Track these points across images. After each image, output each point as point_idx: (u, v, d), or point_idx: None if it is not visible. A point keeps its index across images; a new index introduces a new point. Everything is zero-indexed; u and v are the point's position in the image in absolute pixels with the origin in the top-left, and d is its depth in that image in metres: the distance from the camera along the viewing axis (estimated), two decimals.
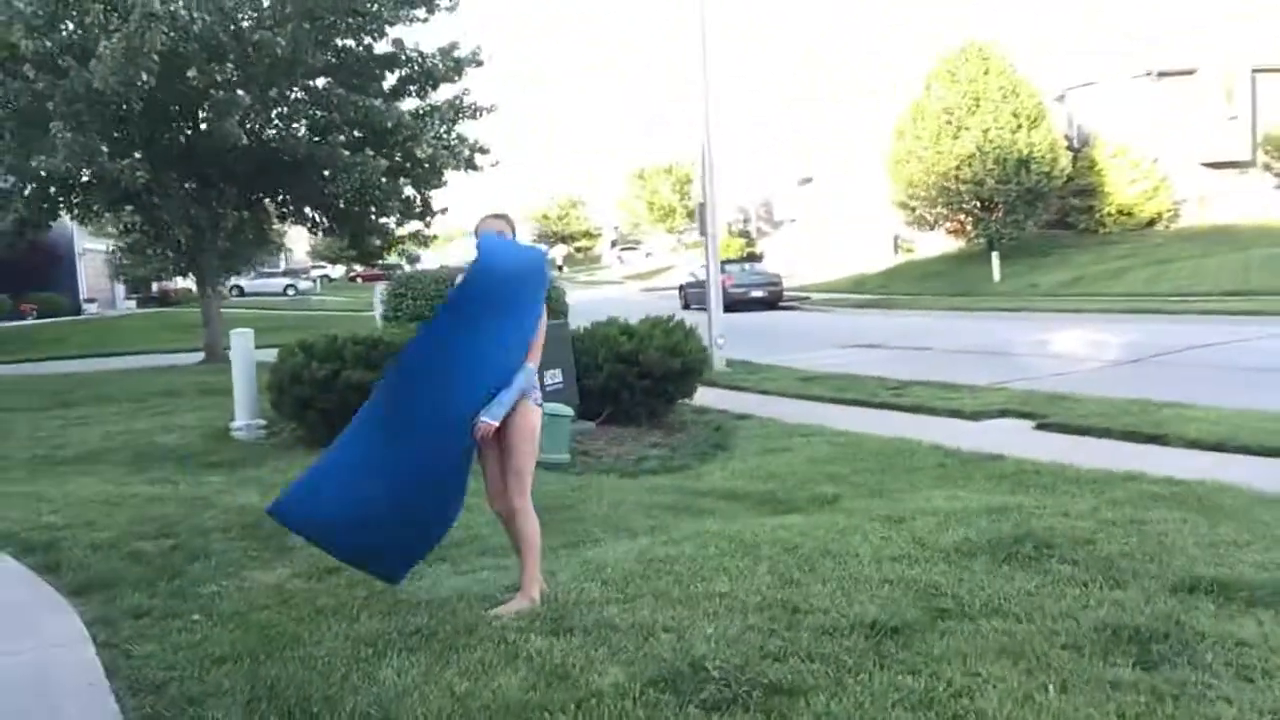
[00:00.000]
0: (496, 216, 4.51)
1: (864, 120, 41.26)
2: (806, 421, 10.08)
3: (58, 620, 4.52)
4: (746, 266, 34.33)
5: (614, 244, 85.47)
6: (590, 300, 35.45)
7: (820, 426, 9.74)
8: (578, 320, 10.66)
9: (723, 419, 10.50)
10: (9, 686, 3.79)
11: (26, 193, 12.09)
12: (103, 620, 4.51)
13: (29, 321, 29.99)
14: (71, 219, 14.74)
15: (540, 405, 4.47)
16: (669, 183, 68.15)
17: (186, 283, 25.10)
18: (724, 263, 35.14)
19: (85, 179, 11.92)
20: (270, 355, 9.17)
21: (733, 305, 30.75)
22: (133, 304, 42.14)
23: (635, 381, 9.59)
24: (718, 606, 4.22)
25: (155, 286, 42.64)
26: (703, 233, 15.83)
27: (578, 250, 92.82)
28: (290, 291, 54.14)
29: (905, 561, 4.75)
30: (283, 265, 64.69)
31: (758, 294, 31.25)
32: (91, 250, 35.34)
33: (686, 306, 29.55)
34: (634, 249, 79.44)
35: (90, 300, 36.57)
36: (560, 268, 71.85)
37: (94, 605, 4.75)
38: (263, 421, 9.08)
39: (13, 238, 15.40)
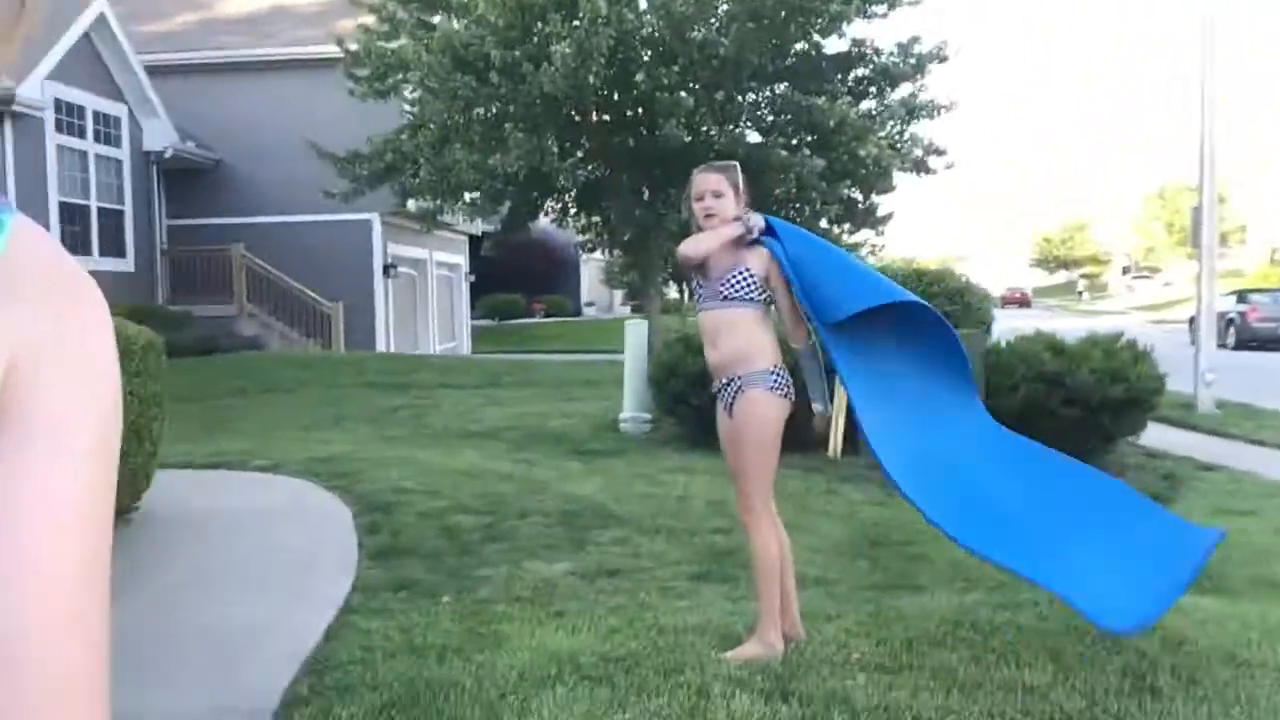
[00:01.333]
0: (716, 169, 3.75)
1: None
2: None
3: (329, 583, 4.50)
4: (1279, 296, 28.67)
5: (1125, 270, 77.10)
6: (1071, 329, 31.94)
7: None
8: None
9: (1180, 467, 8.45)
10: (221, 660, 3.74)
11: (484, 191, 13.24)
12: (367, 588, 4.42)
13: (536, 320, 33.84)
14: (534, 219, 15.96)
15: (789, 398, 3.64)
16: (1195, 202, 59.73)
17: (672, 294, 26.56)
18: (1249, 291, 30.02)
19: (533, 179, 12.74)
20: None
21: (1258, 342, 25.95)
22: (628, 309, 46.00)
23: (1059, 409, 7.97)
24: (1015, 709, 3.02)
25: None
26: (1195, 244, 13.22)
27: (1084, 277, 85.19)
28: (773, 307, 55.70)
29: None
30: None
31: None
32: (595, 260, 39.09)
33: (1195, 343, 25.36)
34: (1148, 277, 70.93)
35: (589, 304, 40.41)
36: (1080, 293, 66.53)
37: (377, 570, 4.71)
38: (648, 415, 8.93)
39: (500, 237, 17.22)
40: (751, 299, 3.54)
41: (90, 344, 0.61)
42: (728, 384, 3.57)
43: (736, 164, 3.81)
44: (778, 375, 3.58)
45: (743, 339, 3.53)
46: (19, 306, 0.58)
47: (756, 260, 3.59)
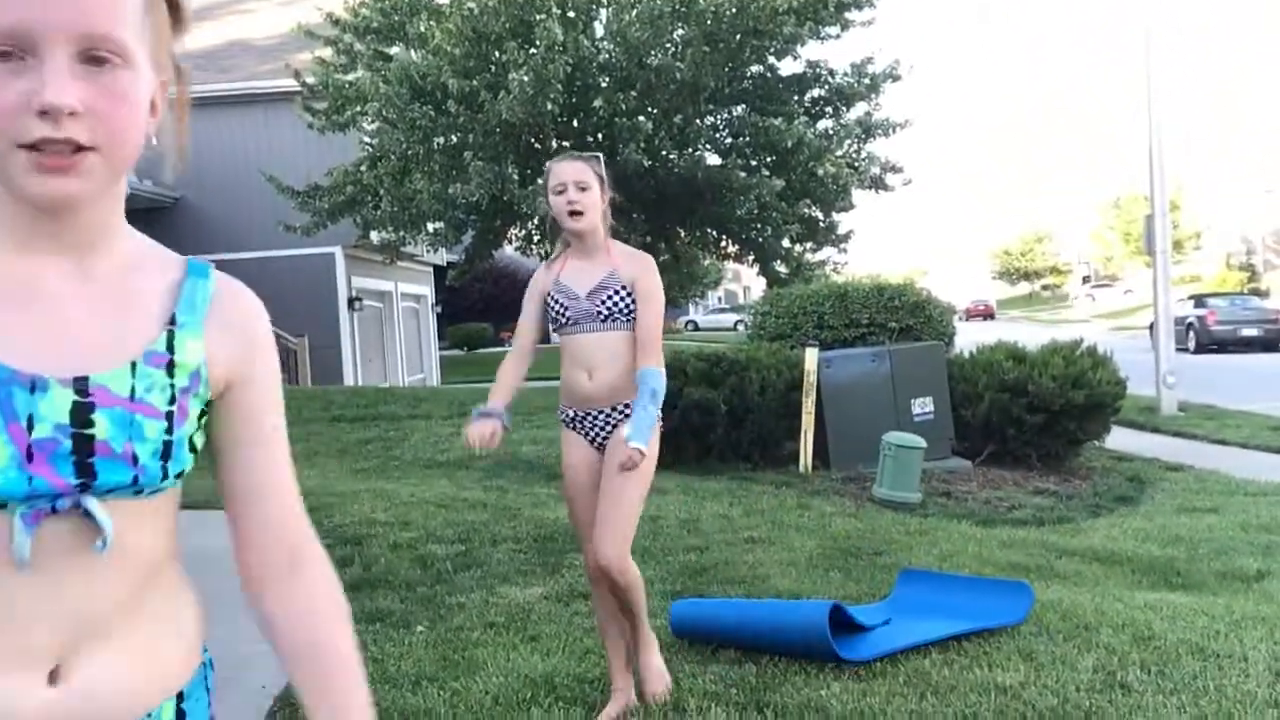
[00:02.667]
0: (581, 159, 3.15)
1: None
2: (1263, 479, 7.87)
3: None
4: (1236, 301, 29.20)
5: (1085, 280, 78.23)
6: (1034, 338, 32.36)
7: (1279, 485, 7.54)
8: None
9: (1146, 468, 8.57)
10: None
11: (446, 221, 13.24)
12: None
13: (505, 348, 33.76)
14: (498, 247, 15.97)
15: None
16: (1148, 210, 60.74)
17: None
18: (1206, 296, 30.60)
19: (495, 207, 12.76)
20: None
21: (1217, 344, 26.42)
22: None
23: (1024, 416, 8.08)
24: (988, 710, 3.04)
25: None
26: (1149, 250, 13.45)
27: (1044, 288, 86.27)
28: (740, 326, 56.12)
29: None
30: (741, 301, 67.44)
31: (1250, 333, 26.40)
32: None
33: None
34: (1109, 286, 72.04)
35: None
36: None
37: (350, 602, 4.64)
38: None
39: (464, 266, 17.19)
40: (630, 320, 3.05)
41: (271, 355, 1.04)
42: (606, 413, 3.08)
43: (601, 155, 3.26)
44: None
45: (624, 365, 3.04)
46: (229, 335, 0.99)
47: (629, 266, 3.09)
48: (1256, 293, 38.50)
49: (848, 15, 14.73)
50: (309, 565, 1.05)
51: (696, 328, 53.82)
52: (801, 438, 7.95)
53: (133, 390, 0.89)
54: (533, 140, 13.05)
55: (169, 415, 0.91)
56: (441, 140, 12.81)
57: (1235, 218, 55.86)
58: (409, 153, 13.01)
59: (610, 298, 3.04)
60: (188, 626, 1.03)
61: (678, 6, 12.49)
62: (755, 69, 14.75)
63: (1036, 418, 8.06)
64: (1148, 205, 13.56)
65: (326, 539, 5.75)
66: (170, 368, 0.93)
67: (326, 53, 14.32)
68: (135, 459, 0.88)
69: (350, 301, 18.48)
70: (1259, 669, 3.34)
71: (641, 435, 2.97)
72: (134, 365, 0.90)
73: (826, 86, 15.40)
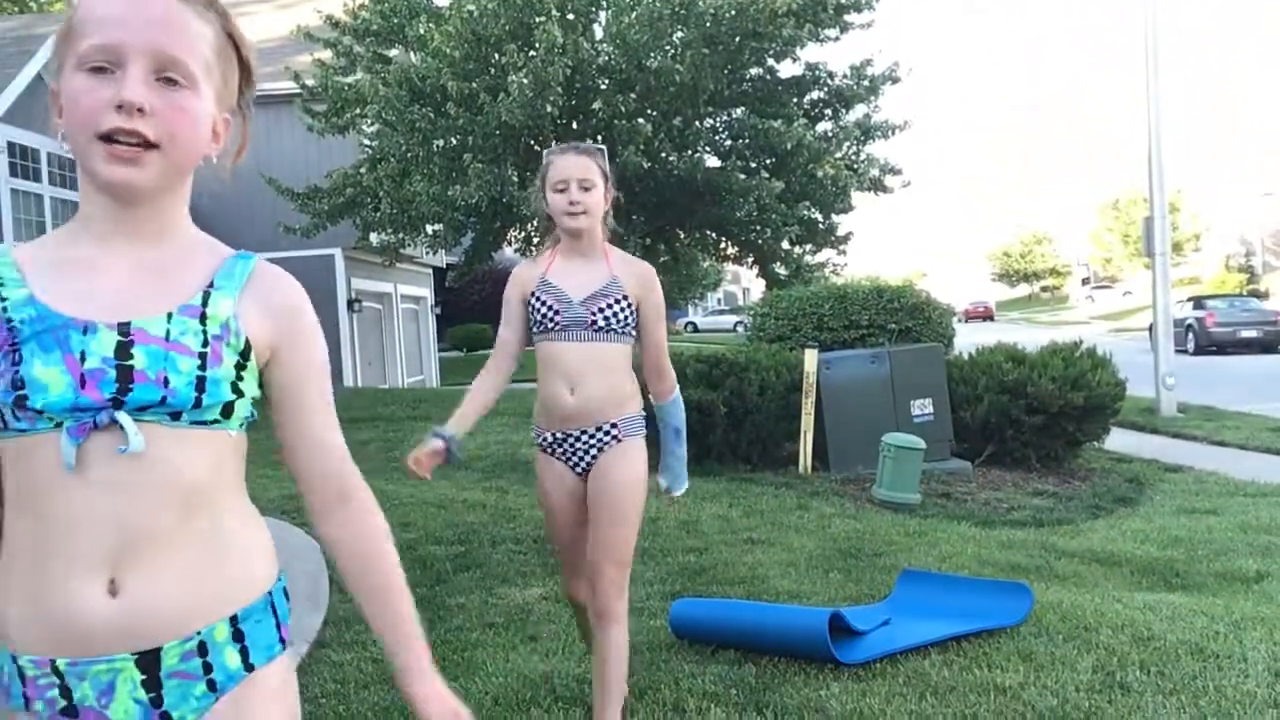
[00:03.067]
0: (585, 153, 2.81)
1: None
2: (1262, 480, 7.87)
3: (301, 617, 4.45)
4: (1235, 302, 29.21)
5: (1084, 282, 78.26)
6: (1033, 339, 32.37)
7: (1278, 487, 7.54)
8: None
9: (1146, 469, 8.57)
10: None
11: (445, 223, 13.24)
12: (339, 621, 4.38)
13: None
14: (497, 249, 15.96)
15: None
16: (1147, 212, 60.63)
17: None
18: (1205, 297, 30.61)
19: (495, 209, 12.76)
20: None
21: (1216, 346, 26.43)
22: None
23: (1023, 417, 8.08)
24: (988, 711, 3.04)
25: None
26: (1149, 252, 13.45)
27: (1044, 290, 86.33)
28: (739, 328, 56.13)
29: None
30: (740, 302, 67.43)
31: (1249, 334, 26.42)
32: None
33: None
34: (1109, 288, 72.10)
35: None
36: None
37: (349, 604, 4.66)
38: None
39: (464, 268, 17.18)
40: (628, 333, 2.77)
41: (312, 333, 1.29)
42: (590, 435, 2.75)
43: (605, 149, 2.94)
44: (647, 421, 2.85)
45: (616, 380, 2.75)
46: (267, 308, 1.24)
47: (630, 276, 2.79)
48: (1256, 294, 38.54)
49: (847, 18, 14.75)
50: (356, 500, 1.30)
51: (696, 329, 53.81)
52: (801, 439, 7.95)
53: (168, 333, 1.14)
54: (532, 142, 13.05)
55: (202, 355, 1.14)
56: (441, 142, 12.81)
57: (1234, 219, 55.88)
58: (408, 155, 13.01)
59: (610, 307, 2.72)
60: (246, 555, 1.22)
61: (677, 9, 12.49)
62: (754, 71, 14.76)
63: (1036, 419, 8.07)
64: (1147, 207, 13.57)
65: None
66: (203, 319, 1.17)
67: (326, 55, 14.32)
68: (167, 382, 1.11)
69: (350, 303, 18.49)
70: (1258, 669, 3.34)
71: (681, 481, 2.92)
72: (170, 315, 1.15)
73: (826, 89, 15.41)
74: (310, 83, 14.16)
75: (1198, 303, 28.75)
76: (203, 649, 1.15)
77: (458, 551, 5.58)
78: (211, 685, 1.17)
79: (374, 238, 15.25)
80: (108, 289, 1.15)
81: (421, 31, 12.87)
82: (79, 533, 1.09)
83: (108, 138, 1.10)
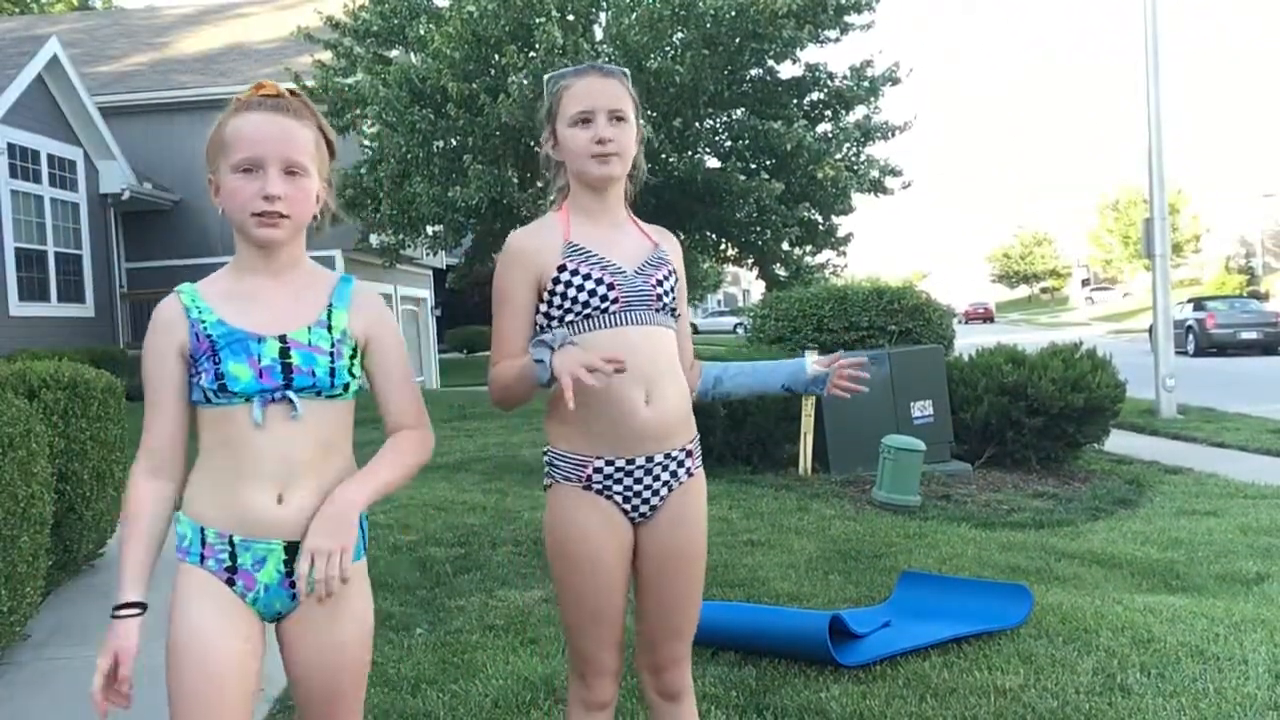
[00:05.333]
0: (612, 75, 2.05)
1: None
2: (1262, 482, 7.87)
3: None
4: (1235, 303, 29.22)
5: (1084, 283, 78.27)
6: (1033, 341, 32.37)
7: (1279, 489, 7.54)
8: None
9: (1146, 471, 8.56)
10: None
11: (445, 224, 13.27)
12: None
13: None
14: (497, 250, 15.96)
15: None
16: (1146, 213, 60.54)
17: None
18: (1205, 299, 30.61)
19: (495, 210, 12.77)
20: None
21: (1216, 347, 26.43)
22: None
23: (1024, 419, 8.07)
24: (988, 713, 3.04)
25: None
26: (1149, 254, 13.44)
27: (1043, 291, 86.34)
28: (739, 329, 56.14)
29: None
30: (740, 304, 67.46)
31: (1249, 335, 26.41)
32: None
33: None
34: (1108, 289, 72.10)
35: None
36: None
37: None
38: None
39: (464, 269, 17.20)
40: (676, 315, 2.09)
41: (391, 328, 1.87)
42: (663, 465, 2.02)
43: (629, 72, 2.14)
44: None
45: (683, 383, 2.09)
46: (361, 313, 1.82)
47: (670, 247, 2.13)
48: (1256, 295, 38.56)
49: (847, 18, 14.78)
50: (415, 429, 1.86)
51: (696, 330, 53.84)
52: (801, 441, 7.95)
53: (310, 340, 1.73)
54: (532, 144, 13.05)
55: (331, 353, 1.74)
56: (441, 143, 12.83)
57: (1234, 220, 55.90)
58: (408, 156, 13.03)
59: (665, 280, 2.03)
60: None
61: (677, 10, 12.50)
62: (754, 72, 14.79)
63: (1036, 421, 8.06)
64: (1147, 207, 13.57)
65: None
66: (329, 329, 1.76)
67: (326, 56, 14.34)
68: (313, 373, 1.72)
69: None
70: (1259, 672, 3.34)
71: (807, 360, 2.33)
72: (309, 328, 1.75)
73: (826, 90, 15.44)
74: (310, 84, 14.18)
75: (1198, 304, 28.77)
76: None
77: (458, 554, 5.57)
78: None
79: (374, 239, 15.27)
80: (267, 311, 1.74)
81: (422, 32, 12.90)
82: (261, 464, 1.69)
83: (257, 213, 1.70)
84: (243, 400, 1.69)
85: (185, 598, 1.71)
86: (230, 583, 1.71)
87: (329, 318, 1.76)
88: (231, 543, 1.70)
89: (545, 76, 2.15)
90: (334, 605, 1.73)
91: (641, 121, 2.10)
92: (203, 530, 1.72)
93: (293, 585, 1.72)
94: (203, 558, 1.71)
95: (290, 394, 1.69)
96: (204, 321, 1.72)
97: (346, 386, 1.75)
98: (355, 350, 1.78)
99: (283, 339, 1.71)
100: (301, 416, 1.70)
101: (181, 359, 1.73)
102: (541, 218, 2.09)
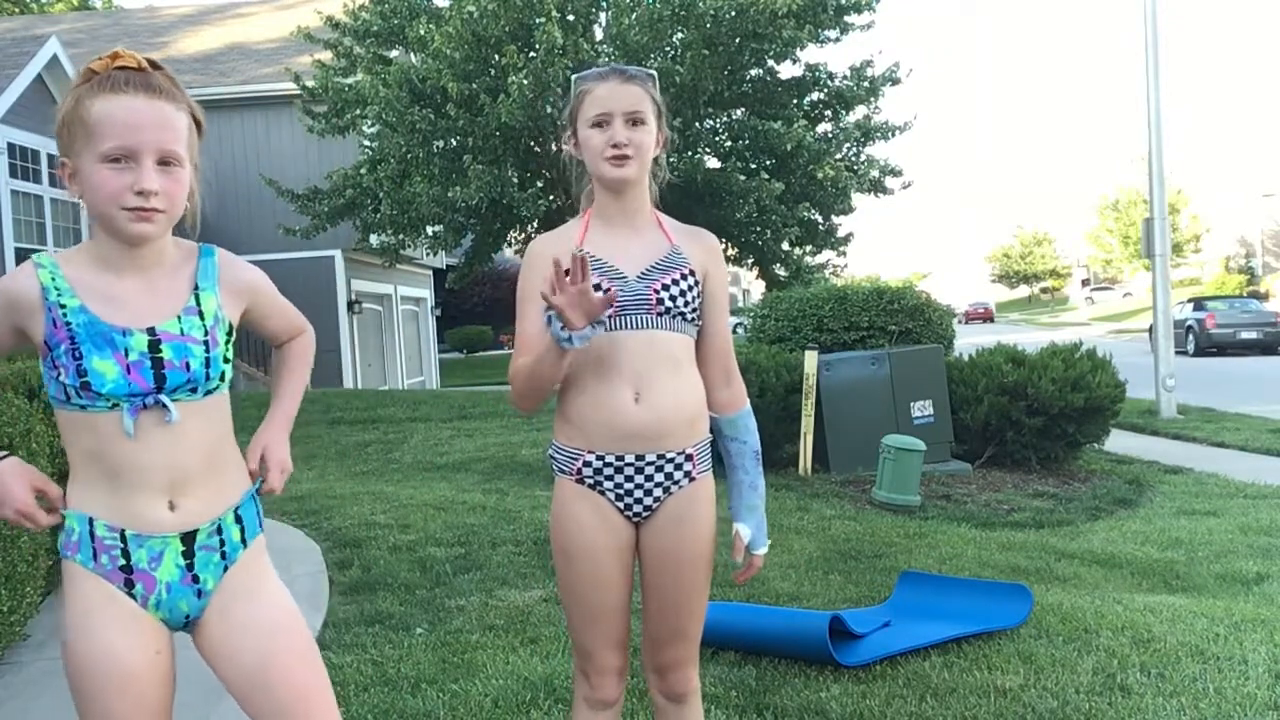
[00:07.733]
0: (634, 78, 2.07)
1: None
2: (1262, 482, 7.87)
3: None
4: (1235, 303, 29.23)
5: (1084, 283, 78.27)
6: (1033, 341, 32.38)
7: (1279, 488, 7.54)
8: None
9: (1146, 471, 8.57)
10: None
11: (445, 224, 13.26)
12: (338, 623, 4.37)
13: (506, 351, 33.87)
14: (497, 250, 15.97)
15: None
16: (1146, 213, 60.49)
17: None
18: (1205, 299, 30.61)
19: (495, 210, 12.77)
20: None
21: (1216, 347, 26.44)
22: None
23: (1023, 419, 8.08)
24: (988, 713, 3.04)
25: None
26: (1149, 254, 13.44)
27: (1043, 291, 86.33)
28: (739, 329, 56.07)
29: None
30: (740, 304, 67.40)
31: (1249, 335, 26.41)
32: None
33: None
34: (1109, 289, 72.08)
35: None
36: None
37: (348, 605, 4.66)
38: None
39: (464, 270, 17.19)
40: (696, 322, 2.10)
41: (263, 283, 1.83)
42: (657, 465, 2.04)
43: (655, 74, 2.13)
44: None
45: (687, 386, 2.07)
46: (233, 287, 1.73)
47: (696, 248, 2.13)
48: (1256, 295, 38.56)
49: (847, 19, 14.77)
50: (299, 333, 1.96)
51: None
52: (801, 441, 7.95)
53: (181, 329, 1.62)
54: (532, 144, 13.06)
55: (205, 342, 1.63)
56: (441, 143, 12.83)
57: (1234, 220, 55.91)
58: (408, 156, 13.03)
59: (675, 284, 2.04)
60: (239, 470, 1.75)
61: (677, 10, 12.50)
62: (754, 72, 14.77)
63: (1036, 421, 8.07)
64: (1147, 207, 13.57)
65: (326, 541, 5.74)
66: (200, 315, 1.65)
67: (326, 56, 14.34)
68: (188, 366, 1.60)
69: (350, 305, 18.49)
70: (1259, 671, 3.34)
71: (764, 534, 2.23)
72: (179, 316, 1.63)
73: (826, 90, 15.43)
74: (310, 84, 14.18)
75: (1198, 304, 28.77)
76: (219, 530, 1.68)
77: (458, 553, 5.57)
78: (223, 555, 1.69)
79: (374, 239, 15.27)
80: (132, 303, 1.61)
81: (422, 32, 12.89)
82: (146, 477, 1.58)
83: (129, 208, 1.56)
84: (108, 406, 1.55)
85: (85, 611, 1.58)
86: (129, 585, 1.60)
87: (198, 302, 1.65)
88: (124, 538, 1.59)
89: (573, 77, 2.15)
90: (243, 592, 1.66)
91: (665, 125, 2.12)
92: (91, 522, 1.59)
93: (195, 580, 1.64)
94: (95, 554, 1.59)
95: (163, 398, 1.56)
96: (64, 307, 1.57)
97: (223, 376, 1.65)
98: (230, 331, 1.69)
99: (151, 331, 1.58)
100: (179, 422, 1.58)
101: (15, 336, 1.62)
102: (566, 223, 2.20)
